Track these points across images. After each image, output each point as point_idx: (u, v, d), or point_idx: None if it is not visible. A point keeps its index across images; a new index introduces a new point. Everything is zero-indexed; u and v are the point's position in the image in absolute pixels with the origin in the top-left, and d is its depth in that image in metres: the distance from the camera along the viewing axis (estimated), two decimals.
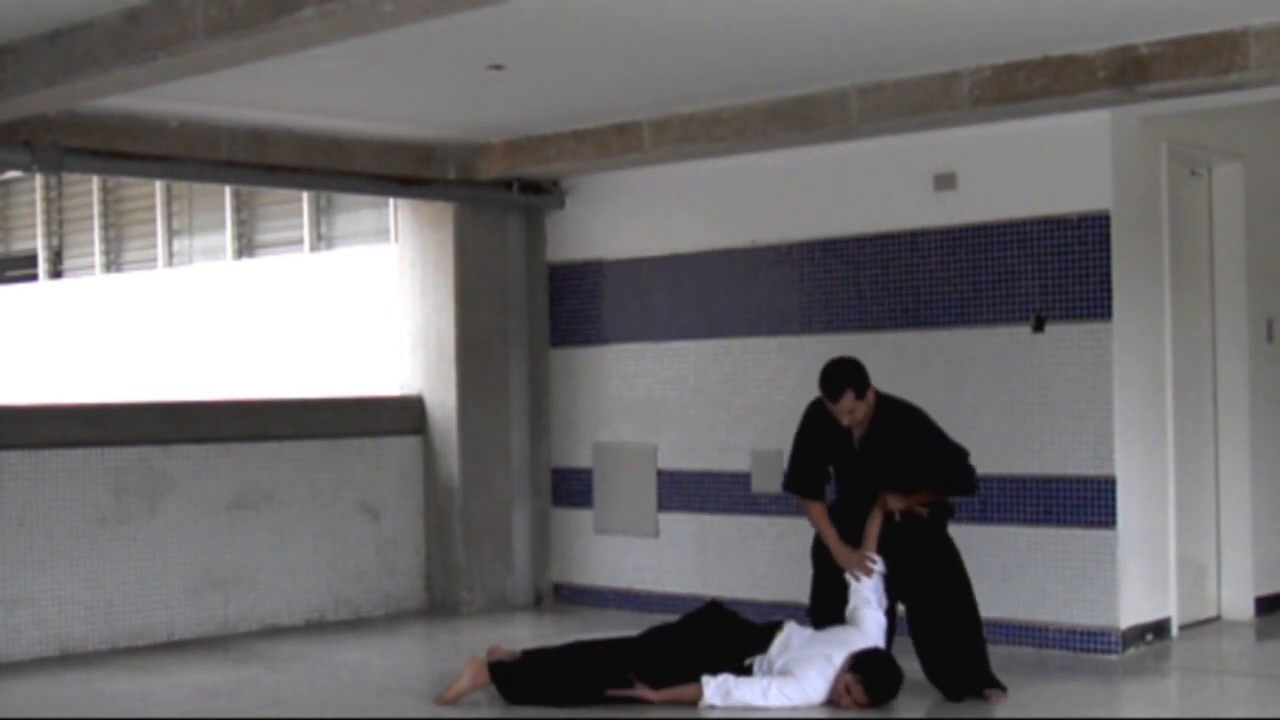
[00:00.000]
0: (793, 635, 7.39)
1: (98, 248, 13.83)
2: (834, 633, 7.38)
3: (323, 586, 9.93)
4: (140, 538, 9.14)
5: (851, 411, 7.36)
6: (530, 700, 7.27)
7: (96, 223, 13.82)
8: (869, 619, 7.38)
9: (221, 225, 12.79)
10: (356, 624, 9.87)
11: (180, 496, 9.32)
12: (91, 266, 14.01)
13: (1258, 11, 7.10)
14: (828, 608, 7.57)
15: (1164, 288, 8.74)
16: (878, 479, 7.46)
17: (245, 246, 12.66)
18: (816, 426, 7.59)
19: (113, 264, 13.83)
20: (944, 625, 7.41)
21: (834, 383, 7.38)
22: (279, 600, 9.72)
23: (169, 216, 13.23)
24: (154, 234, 13.32)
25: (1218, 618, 9.29)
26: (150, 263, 13.41)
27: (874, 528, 7.46)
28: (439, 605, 10.31)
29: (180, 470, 9.33)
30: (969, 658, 7.41)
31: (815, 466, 7.64)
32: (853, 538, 7.51)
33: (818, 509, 7.65)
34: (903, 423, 7.48)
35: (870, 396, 7.42)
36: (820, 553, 7.68)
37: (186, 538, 9.33)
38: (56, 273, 14.52)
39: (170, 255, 13.25)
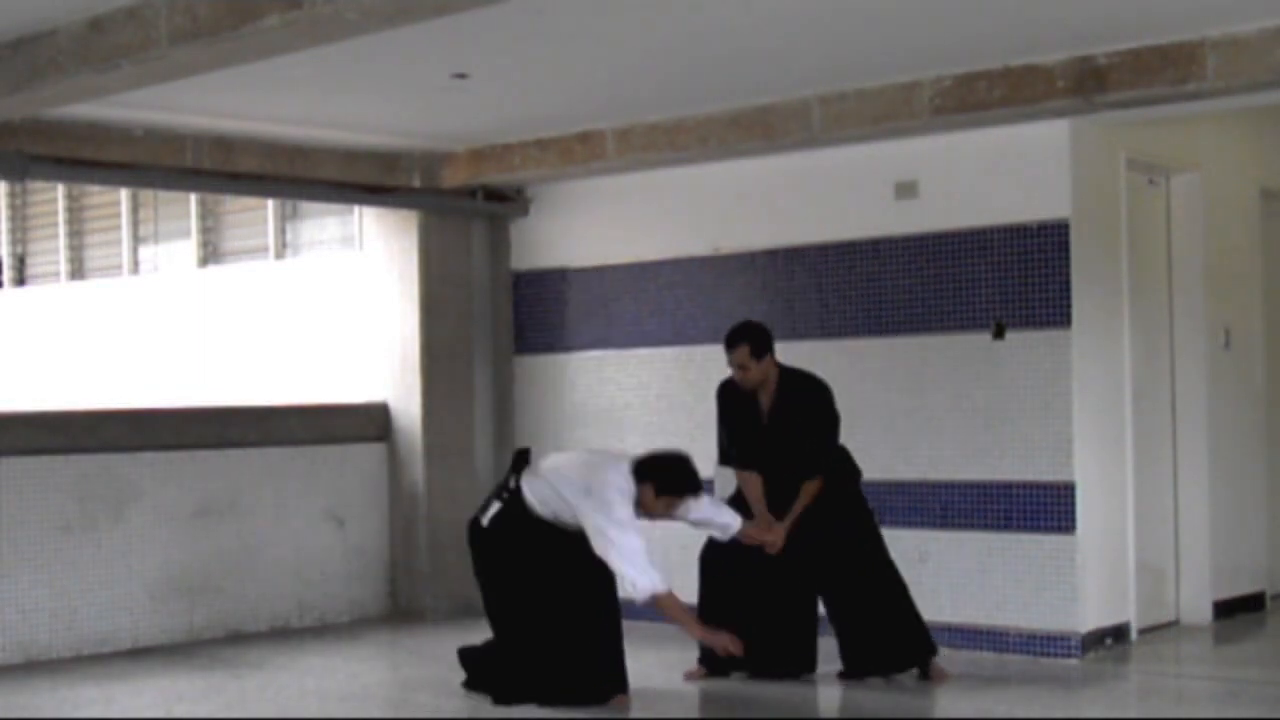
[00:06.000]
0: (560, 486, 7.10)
1: (63, 255, 13.80)
2: (589, 464, 7.20)
3: (288, 593, 9.94)
4: (105, 545, 9.13)
5: (742, 366, 7.61)
6: (527, 700, 7.23)
7: (62, 230, 13.79)
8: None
9: (187, 233, 12.78)
10: (321, 630, 9.88)
11: (145, 503, 9.31)
12: (57, 274, 13.98)
13: (1214, 23, 7.18)
14: (722, 611, 7.69)
15: (1123, 295, 8.82)
16: (785, 451, 7.63)
17: (211, 254, 12.65)
18: (728, 402, 7.80)
19: (77, 271, 13.80)
20: (867, 597, 7.61)
21: (734, 334, 7.67)
22: (244, 607, 9.72)
23: (134, 224, 13.20)
24: (119, 241, 13.30)
25: (1176, 622, 9.36)
26: (115, 270, 13.39)
27: (797, 508, 7.59)
28: (403, 611, 10.32)
29: (145, 477, 9.32)
30: (901, 627, 7.58)
31: (743, 437, 7.77)
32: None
33: (753, 479, 7.74)
34: (807, 393, 7.70)
35: (769, 364, 7.66)
36: (711, 557, 7.88)
37: (151, 545, 9.32)
38: (21, 280, 14.48)
39: (135, 263, 13.23)
